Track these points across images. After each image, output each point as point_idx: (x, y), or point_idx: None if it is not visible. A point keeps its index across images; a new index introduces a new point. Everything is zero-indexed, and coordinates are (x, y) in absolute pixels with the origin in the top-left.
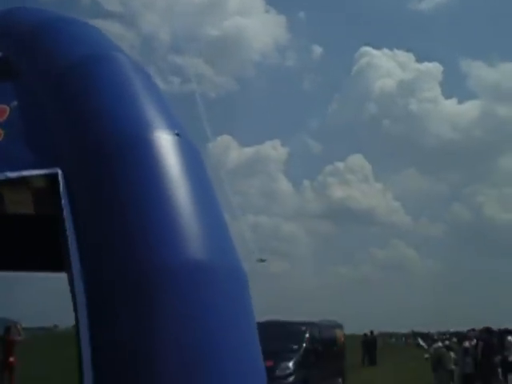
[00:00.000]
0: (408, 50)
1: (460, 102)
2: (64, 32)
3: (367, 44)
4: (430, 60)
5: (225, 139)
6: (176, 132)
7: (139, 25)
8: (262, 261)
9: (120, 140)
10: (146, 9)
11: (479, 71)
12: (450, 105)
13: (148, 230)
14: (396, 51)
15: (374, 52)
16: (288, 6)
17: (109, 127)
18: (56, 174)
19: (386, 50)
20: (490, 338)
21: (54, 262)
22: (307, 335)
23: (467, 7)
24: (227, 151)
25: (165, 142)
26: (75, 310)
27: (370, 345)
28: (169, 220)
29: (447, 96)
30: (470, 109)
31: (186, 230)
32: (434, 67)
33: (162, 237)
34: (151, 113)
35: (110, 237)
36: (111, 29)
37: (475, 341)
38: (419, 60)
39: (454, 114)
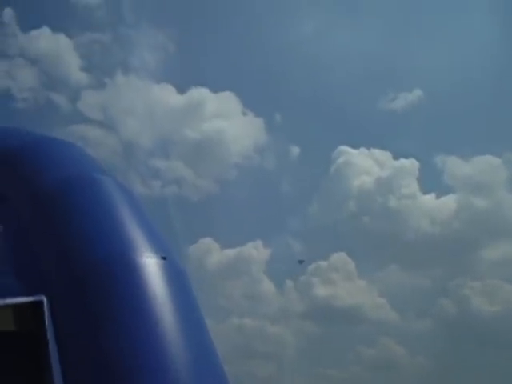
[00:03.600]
0: (384, 148)
1: (438, 196)
2: (47, 154)
3: (344, 143)
4: (406, 157)
5: (206, 241)
6: (162, 256)
7: (120, 130)
8: (301, 262)
9: (106, 265)
10: (126, 114)
11: (454, 165)
12: (429, 199)
13: (135, 356)
14: (373, 150)
15: (351, 151)
16: (265, 108)
17: (94, 252)
18: (41, 302)
19: (362, 149)
20: None
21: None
22: None
23: (437, 105)
24: (209, 253)
25: (151, 267)
26: None
27: None
28: (156, 346)
29: (425, 191)
30: (448, 202)
31: (173, 356)
32: (410, 164)
33: (150, 363)
34: (137, 236)
35: (96, 364)
36: (93, 135)
37: None
38: (396, 157)
39: (433, 208)
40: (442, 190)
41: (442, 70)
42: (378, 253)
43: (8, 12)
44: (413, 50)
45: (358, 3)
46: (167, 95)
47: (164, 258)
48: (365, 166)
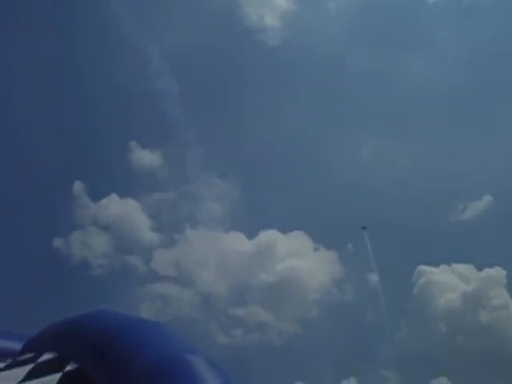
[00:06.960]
0: (466, 262)
1: None
2: (137, 336)
3: (422, 263)
4: (490, 266)
5: None
6: None
7: (195, 283)
8: (364, 228)
9: None
10: (199, 267)
11: None
12: None
13: None
14: (454, 265)
15: (432, 269)
16: (335, 241)
17: None
18: None
19: (443, 266)
20: None
21: None
22: None
23: (510, 206)
24: None
25: None
26: None
27: None
28: None
29: None
30: None
31: None
32: (496, 272)
33: None
34: None
35: None
36: (170, 291)
37: None
38: (479, 268)
39: None
40: None
41: (508, 170)
42: (481, 373)
43: (78, 185)
44: (473, 158)
45: (409, 125)
46: (237, 242)
47: None
48: (448, 282)
